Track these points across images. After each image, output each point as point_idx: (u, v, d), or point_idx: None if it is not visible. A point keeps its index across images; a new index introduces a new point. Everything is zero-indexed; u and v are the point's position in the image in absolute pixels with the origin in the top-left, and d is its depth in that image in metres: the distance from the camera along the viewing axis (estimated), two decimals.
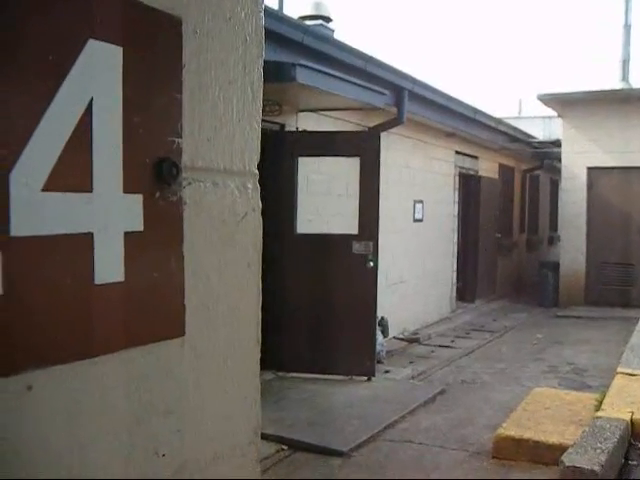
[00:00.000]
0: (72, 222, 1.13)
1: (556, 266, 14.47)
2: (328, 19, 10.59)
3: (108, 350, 1.20)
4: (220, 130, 1.46)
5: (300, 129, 8.14)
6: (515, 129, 14.99)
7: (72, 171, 1.12)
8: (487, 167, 14.49)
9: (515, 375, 8.29)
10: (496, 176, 15.06)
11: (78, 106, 1.13)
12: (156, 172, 1.28)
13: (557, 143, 15.00)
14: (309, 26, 8.42)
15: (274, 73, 6.44)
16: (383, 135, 8.27)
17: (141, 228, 1.25)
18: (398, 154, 10.33)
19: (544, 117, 18.14)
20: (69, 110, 1.11)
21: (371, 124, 9.18)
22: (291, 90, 6.97)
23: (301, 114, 8.16)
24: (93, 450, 1.18)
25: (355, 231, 7.66)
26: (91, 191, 1.15)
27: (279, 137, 7.92)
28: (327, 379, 7.51)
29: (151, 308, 1.30)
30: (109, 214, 1.19)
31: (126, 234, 1.22)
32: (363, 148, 7.77)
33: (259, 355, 1.60)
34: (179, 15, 1.32)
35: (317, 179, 8.39)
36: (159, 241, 1.30)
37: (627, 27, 15.08)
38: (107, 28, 1.16)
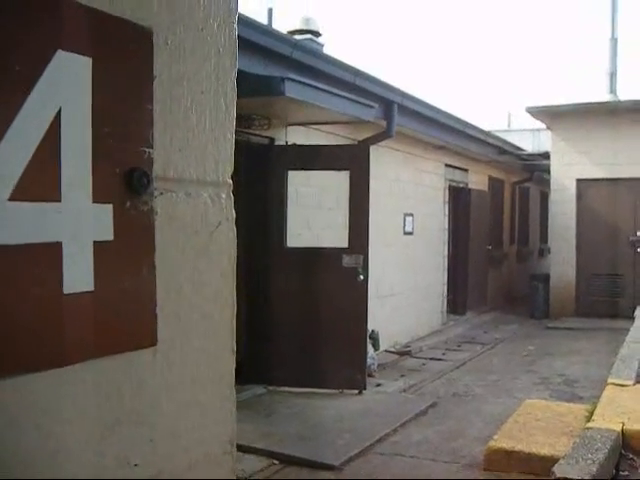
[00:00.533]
0: (40, 231, 1.13)
1: (546, 278, 14.51)
2: (317, 33, 10.66)
3: (78, 359, 1.20)
4: (192, 140, 1.46)
5: (289, 143, 8.15)
6: (504, 142, 15.06)
7: (40, 181, 1.12)
8: (477, 180, 14.54)
9: (506, 387, 8.29)
10: (486, 188, 15.12)
11: (46, 116, 1.13)
12: (126, 182, 1.28)
13: (546, 155, 15.08)
14: (298, 40, 8.46)
15: (263, 87, 6.47)
16: (373, 148, 8.30)
17: (111, 237, 1.25)
18: (388, 167, 10.36)
19: (533, 130, 18.23)
20: (37, 120, 1.12)
21: (360, 137, 9.21)
22: (280, 104, 6.99)
23: (290, 128, 8.18)
24: (63, 459, 1.18)
25: (345, 244, 7.67)
26: (60, 200, 1.15)
27: (268, 151, 7.94)
28: (318, 393, 7.49)
29: (122, 317, 1.29)
30: (78, 223, 1.19)
31: (95, 243, 1.22)
32: (353, 161, 7.79)
33: (234, 365, 1.59)
34: (150, 26, 1.33)
35: (307, 192, 8.40)
36: (130, 251, 1.30)
37: (613, 40, 15.21)
38: (76, 39, 1.17)
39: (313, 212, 8.59)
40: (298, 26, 10.59)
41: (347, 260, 7.59)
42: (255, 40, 6.63)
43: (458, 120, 11.98)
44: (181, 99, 1.43)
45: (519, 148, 16.22)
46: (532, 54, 54.35)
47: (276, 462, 5.58)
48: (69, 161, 1.17)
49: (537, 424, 5.94)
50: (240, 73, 5.35)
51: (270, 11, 11.11)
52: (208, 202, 1.50)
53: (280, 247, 7.79)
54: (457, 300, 13.70)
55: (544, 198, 19.00)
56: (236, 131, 5.68)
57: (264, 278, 7.75)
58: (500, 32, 56.38)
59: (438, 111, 11.08)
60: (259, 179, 7.78)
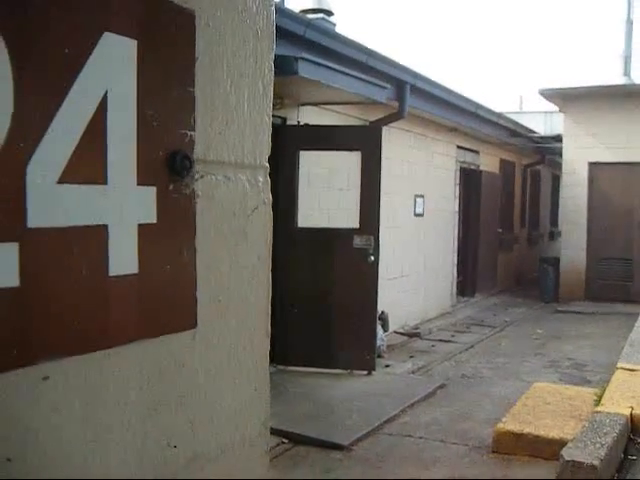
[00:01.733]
0: (87, 214, 1.13)
1: (557, 261, 14.48)
2: (330, 13, 10.57)
3: (121, 341, 1.21)
4: (232, 123, 1.46)
5: (302, 123, 8.13)
6: (516, 124, 14.97)
7: (87, 163, 1.13)
8: (488, 162, 14.48)
9: (515, 370, 8.30)
10: (497, 171, 15.05)
11: (93, 99, 1.13)
12: (169, 165, 1.28)
13: (558, 138, 14.98)
14: (311, 19, 8.40)
15: (276, 66, 6.40)
16: (384, 129, 8.27)
17: (154, 220, 1.26)
18: (399, 148, 10.33)
19: (545, 112, 18.11)
20: (84, 103, 1.12)
21: (372, 118, 9.17)
22: (293, 83, 6.96)
23: (303, 107, 8.16)
24: (107, 440, 1.20)
25: (356, 225, 7.66)
26: (106, 183, 1.16)
27: (281, 131, 7.92)
28: (327, 373, 7.53)
29: (164, 300, 1.30)
30: (123, 206, 1.20)
31: (140, 226, 1.23)
32: (364, 142, 7.77)
33: (269, 347, 1.61)
34: (192, 8, 1.32)
35: (318, 173, 8.39)
36: (172, 233, 1.31)
37: (629, 23, 15.07)
38: (122, 21, 1.17)
39: (324, 193, 8.58)
40: (310, 5, 10.48)
41: (358, 241, 7.60)
42: None
43: (470, 101, 11.91)
44: (221, 82, 1.42)
45: (531, 130, 16.12)
46: (545, 36, 53.90)
47: (285, 441, 5.62)
48: (115, 144, 1.17)
49: (546, 407, 5.96)
50: None
51: None
52: (246, 185, 1.50)
53: (291, 227, 7.80)
54: (467, 282, 13.70)
55: (555, 181, 18.93)
56: None
57: (275, 258, 7.72)
58: (513, 13, 55.91)
59: (450, 92, 11.01)
60: (271, 159, 7.72)
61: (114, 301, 1.19)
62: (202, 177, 1.37)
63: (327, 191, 8.65)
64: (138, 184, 1.22)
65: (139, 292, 1.24)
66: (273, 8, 1.56)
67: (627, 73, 15.01)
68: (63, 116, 1.07)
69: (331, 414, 6.25)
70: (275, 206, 5.72)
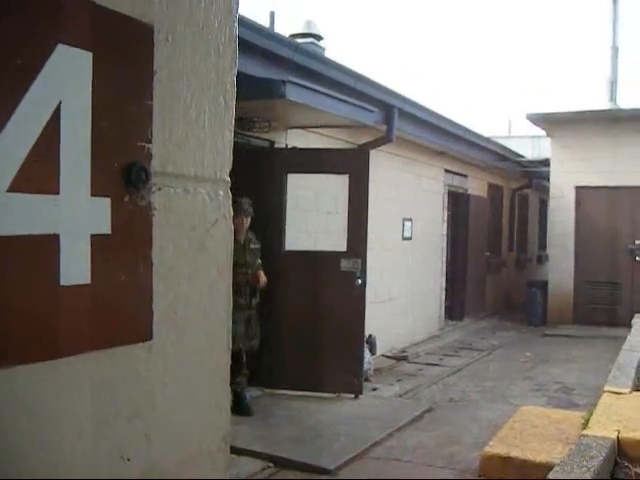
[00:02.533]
0: (38, 223, 1.13)
1: (544, 285, 14.52)
2: (319, 37, 10.67)
3: (72, 352, 1.20)
4: (191, 137, 1.46)
5: (289, 146, 8.16)
6: (504, 148, 15.08)
7: (39, 173, 1.13)
8: (476, 186, 14.56)
9: (503, 393, 8.29)
10: (485, 195, 15.13)
11: (46, 109, 1.14)
12: (125, 176, 1.28)
13: (546, 162, 15.09)
14: (300, 44, 8.47)
15: (264, 89, 6.48)
16: (372, 153, 8.31)
17: (109, 231, 1.25)
18: (387, 172, 10.37)
19: (533, 137, 18.28)
20: (37, 113, 1.12)
21: (360, 142, 9.22)
22: (281, 107, 7.00)
23: (290, 131, 8.20)
24: (57, 452, 1.18)
25: (344, 248, 7.66)
26: (58, 193, 1.16)
27: (269, 154, 7.95)
28: (314, 396, 7.48)
29: (118, 311, 1.30)
30: (76, 216, 1.19)
31: (93, 237, 1.23)
32: (352, 166, 7.80)
33: (229, 362, 1.60)
34: (151, 22, 1.33)
35: (306, 196, 8.40)
36: (127, 245, 1.31)
37: (614, 49, 15.25)
38: (77, 33, 1.17)
39: (312, 216, 8.59)
40: (300, 30, 10.60)
41: (345, 264, 7.59)
42: (257, 43, 6.64)
43: (458, 126, 12.00)
44: (181, 95, 1.43)
45: (519, 155, 16.24)
46: (533, 61, 54.51)
47: (271, 465, 5.57)
48: (68, 154, 1.17)
49: (533, 431, 5.93)
50: (241, 75, 5.34)
51: (272, 14, 11.08)
52: (206, 199, 1.50)
53: (279, 250, 7.79)
54: (455, 306, 13.71)
55: (543, 205, 19.03)
56: (236, 133, 5.65)
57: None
58: (501, 39, 56.58)
59: (438, 117, 11.10)
60: (259, 182, 7.78)
61: (65, 311, 1.18)
62: (160, 189, 1.37)
63: (315, 214, 8.66)
64: (92, 195, 1.22)
65: (91, 302, 1.23)
66: (236, 24, 1.57)
67: (613, 98, 15.17)
68: (14, 125, 1.07)
69: (317, 438, 6.21)
70: (263, 229, 5.67)
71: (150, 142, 1.33)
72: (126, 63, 1.29)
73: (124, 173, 1.28)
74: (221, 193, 1.55)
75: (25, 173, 1.09)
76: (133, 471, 1.32)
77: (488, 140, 13.89)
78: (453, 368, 9.80)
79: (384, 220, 10.23)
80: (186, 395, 1.47)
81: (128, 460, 1.30)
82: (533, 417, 6.33)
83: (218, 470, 1.54)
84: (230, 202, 1.57)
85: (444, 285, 13.14)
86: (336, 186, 8.35)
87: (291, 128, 8.16)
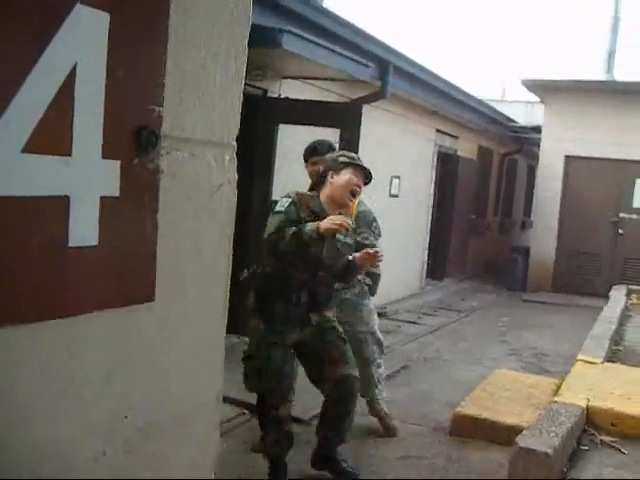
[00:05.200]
0: (50, 185, 1.14)
1: (527, 251, 14.62)
2: None
3: (79, 311, 1.22)
4: (201, 101, 1.47)
5: (283, 96, 8.08)
6: (496, 112, 15.02)
7: (52, 134, 1.13)
8: (466, 148, 14.53)
9: (478, 356, 8.40)
10: (475, 157, 15.12)
11: (62, 70, 1.14)
12: (135, 139, 1.29)
13: (537, 129, 15.07)
14: None
15: (260, 37, 6.37)
16: (365, 108, 8.24)
17: (117, 194, 1.27)
18: (378, 128, 10.31)
19: (527, 102, 18.21)
20: (53, 73, 1.12)
21: (354, 96, 9.15)
22: (276, 56, 6.91)
23: (285, 81, 8.11)
24: (64, 402, 1.23)
25: None
26: (70, 155, 1.17)
27: (261, 103, 7.87)
28: None
29: (122, 273, 1.32)
30: (87, 178, 1.20)
31: (102, 199, 1.24)
32: (344, 120, 7.75)
33: (226, 320, 1.64)
34: None
35: (296, 148, 8.35)
36: (134, 208, 1.32)
37: (616, 19, 15.13)
38: None
39: (301, 167, 8.56)
40: None
41: None
42: None
43: (452, 86, 11.91)
44: (193, 60, 1.43)
45: (511, 119, 16.19)
46: (531, 27, 53.96)
47: (246, 412, 5.64)
48: (82, 116, 1.17)
49: (505, 394, 6.05)
50: None
51: None
52: (212, 163, 1.51)
53: (265, 200, 7.78)
54: (436, 266, 13.78)
55: (532, 172, 19.06)
56: None
57: (248, 233, 7.74)
58: (500, 3, 55.84)
59: (433, 75, 11.01)
60: (249, 130, 7.73)
61: (72, 271, 1.20)
62: (168, 153, 1.38)
63: (304, 166, 8.62)
64: (103, 157, 1.23)
65: (98, 263, 1.25)
66: None
67: (610, 70, 15.11)
68: (30, 86, 1.08)
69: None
70: (250, 178, 5.60)
71: (161, 105, 1.34)
72: (141, 24, 1.28)
73: (135, 136, 1.28)
74: (227, 158, 1.56)
75: (39, 134, 1.10)
76: (131, 425, 1.36)
77: (481, 102, 13.81)
78: (431, 327, 9.91)
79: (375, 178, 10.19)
80: (183, 354, 1.51)
81: (125, 418, 1.34)
82: (506, 380, 6.45)
83: (211, 425, 1.60)
84: (235, 167, 1.58)
85: (427, 244, 13.19)
86: (329, 138, 8.29)
87: (285, 78, 8.07)
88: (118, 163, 1.26)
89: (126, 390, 1.36)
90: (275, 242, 3.94)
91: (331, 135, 7.91)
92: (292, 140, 8.18)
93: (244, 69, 1.58)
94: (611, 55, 15.10)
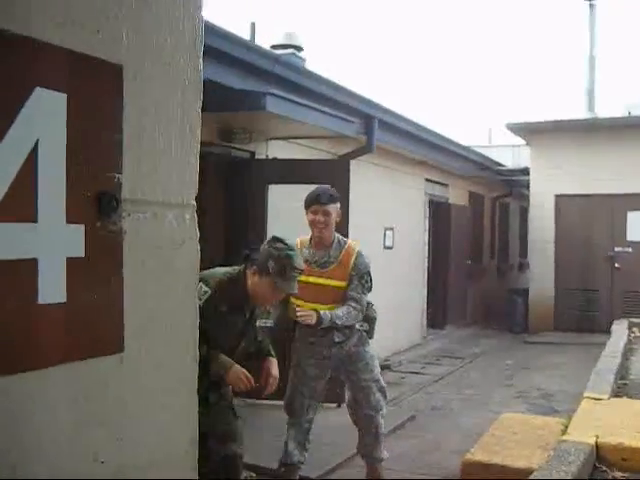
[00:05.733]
0: (18, 249, 1.25)
1: (525, 292, 14.62)
2: (299, 48, 10.73)
3: (50, 363, 1.32)
4: (159, 166, 1.59)
5: (270, 157, 8.20)
6: (484, 157, 15.20)
7: (19, 204, 1.25)
8: (457, 194, 14.66)
9: (484, 401, 8.35)
10: (466, 203, 15.24)
11: (25, 146, 1.26)
12: (97, 205, 1.41)
13: (526, 171, 15.22)
14: (279, 55, 8.52)
15: (244, 101, 6.53)
16: (353, 163, 8.36)
17: (82, 254, 1.38)
18: (368, 181, 10.43)
19: (513, 145, 18.41)
20: (17, 150, 1.24)
21: (341, 152, 9.28)
22: (261, 118, 7.05)
23: (271, 142, 8.24)
24: (35, 452, 1.30)
25: None
26: (36, 221, 1.28)
27: (249, 165, 7.98)
28: (263, 404, 7.47)
29: (91, 326, 1.42)
30: (53, 242, 1.31)
31: (68, 259, 1.35)
32: (332, 176, 7.84)
33: (197, 372, 1.71)
34: (120, 62, 1.46)
35: (286, 207, 8.43)
36: (100, 266, 1.43)
37: (592, 58, 15.44)
38: (53, 77, 1.30)
39: (293, 226, 8.61)
40: (281, 41, 10.65)
41: None
42: (237, 55, 6.69)
43: (439, 136, 12.09)
44: (149, 128, 1.55)
45: (499, 164, 16.37)
46: (512, 71, 54.85)
47: (253, 475, 5.58)
48: (45, 186, 1.29)
49: (514, 437, 5.99)
50: (221, 87, 5.38)
51: (253, 25, 11.15)
52: (173, 222, 1.63)
53: None
54: (437, 314, 13.77)
55: (524, 213, 19.16)
56: (217, 145, 5.66)
57: None
58: (481, 51, 56.95)
59: (418, 127, 11.18)
60: (240, 193, 7.84)
61: (42, 326, 1.30)
62: (129, 215, 1.49)
63: (296, 225, 8.68)
64: (67, 222, 1.34)
65: (67, 318, 1.35)
66: (201, 60, 1.69)
67: (591, 107, 15.35)
68: None
69: (266, 439, 6.21)
70: (244, 239, 5.60)
71: (120, 172, 1.46)
72: (97, 100, 1.41)
73: (96, 202, 1.41)
74: (187, 217, 1.67)
75: (6, 203, 1.21)
76: (105, 471, 1.44)
77: (468, 149, 13.99)
78: (435, 376, 9.86)
79: (365, 229, 10.26)
80: (155, 402, 1.59)
81: (102, 462, 1.42)
82: (514, 424, 6.39)
83: (186, 471, 1.66)
84: (196, 224, 1.69)
85: (426, 294, 13.20)
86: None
87: (272, 139, 8.21)
88: (82, 227, 1.38)
89: (101, 438, 1.43)
90: None
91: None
92: (285, 200, 8.26)
93: (199, 132, 1.70)
94: (590, 93, 15.36)
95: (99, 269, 1.42)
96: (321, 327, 4.88)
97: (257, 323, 3.85)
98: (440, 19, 57.70)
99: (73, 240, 1.36)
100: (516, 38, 57.76)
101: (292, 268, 3.68)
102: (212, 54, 6.23)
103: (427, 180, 13.05)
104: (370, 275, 5.22)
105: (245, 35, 10.67)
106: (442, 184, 13.81)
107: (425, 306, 13.16)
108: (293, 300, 4.90)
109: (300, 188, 8.36)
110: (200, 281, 3.48)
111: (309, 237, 5.23)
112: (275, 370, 4.05)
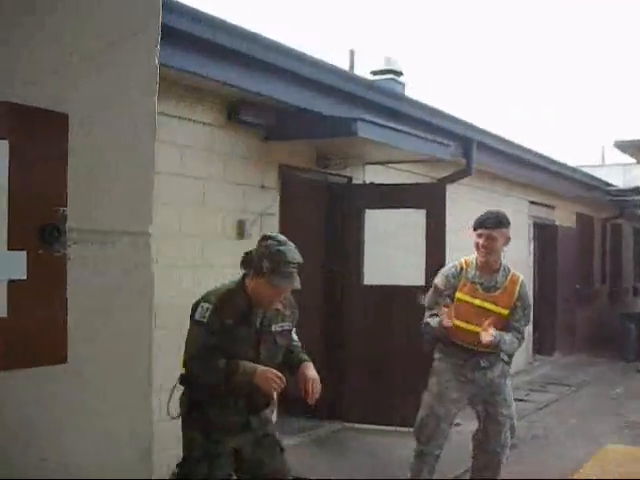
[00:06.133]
0: None
1: (639, 317, 13.97)
2: (399, 73, 10.79)
3: None
4: (108, 199, 1.76)
5: (367, 182, 8.27)
6: (592, 177, 14.70)
7: None
8: (564, 216, 14.23)
9: (589, 431, 8.03)
10: (574, 225, 14.76)
11: None
12: (39, 235, 1.61)
13: (637, 190, 14.64)
14: (373, 82, 8.63)
15: (337, 128, 6.66)
16: (453, 185, 8.34)
17: (24, 277, 1.58)
18: (468, 205, 10.29)
19: (625, 164, 17.70)
20: None
21: (440, 175, 9.24)
22: (355, 144, 7.16)
23: (368, 167, 8.33)
24: None
25: (422, 282, 7.66)
26: None
27: (346, 190, 8.08)
28: (392, 430, 7.46)
29: (33, 339, 1.61)
30: None
31: (10, 281, 1.56)
32: (429, 200, 7.86)
33: (151, 384, 1.86)
34: (65, 111, 1.64)
35: (384, 231, 8.45)
36: (42, 287, 1.63)
37: None
38: None
39: (390, 250, 8.62)
40: (381, 66, 10.75)
41: (422, 298, 7.57)
42: (334, 84, 6.86)
43: (542, 157, 11.81)
44: (97, 166, 1.73)
45: (608, 184, 15.77)
46: (628, 86, 52.81)
47: None
48: None
49: (618, 470, 5.77)
50: (316, 115, 5.54)
51: (352, 52, 11.33)
52: (124, 248, 1.79)
53: (357, 284, 7.90)
54: (544, 340, 13.38)
55: (637, 235, 18.40)
56: (314, 171, 5.78)
57: (341, 315, 7.87)
58: (595, 64, 55.22)
59: (520, 148, 10.98)
60: (338, 217, 7.96)
61: None
62: (75, 243, 1.67)
63: (394, 249, 8.68)
64: (9, 249, 1.55)
65: (7, 332, 1.55)
66: (155, 99, 1.83)
67: None
68: None
69: (393, 473, 6.19)
70: (342, 263, 5.72)
71: (65, 206, 1.65)
72: (41, 146, 1.61)
73: (39, 232, 1.61)
74: (140, 244, 1.82)
75: None
76: (57, 475, 1.61)
77: (575, 170, 13.59)
78: (539, 403, 9.59)
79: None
80: (104, 410, 1.75)
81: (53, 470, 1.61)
82: (617, 456, 6.15)
83: (141, 478, 1.80)
84: (149, 251, 1.84)
85: (532, 319, 12.83)
86: (415, 220, 8.36)
87: (368, 164, 8.29)
88: (24, 253, 1.58)
89: (49, 444, 1.61)
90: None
91: (415, 215, 7.99)
92: (382, 224, 8.31)
93: (153, 168, 1.85)
94: None
95: (41, 290, 1.62)
96: (488, 348, 4.89)
97: (273, 328, 3.67)
98: (549, 37, 56.43)
99: (15, 264, 1.56)
100: (629, 51, 55.70)
101: (286, 263, 3.48)
102: (303, 82, 6.41)
103: (531, 202, 12.74)
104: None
105: (344, 63, 10.87)
106: (547, 206, 13.46)
107: (532, 331, 12.80)
108: (456, 321, 4.88)
109: (394, 212, 8.41)
110: (202, 301, 3.55)
111: (474, 258, 5.22)
112: (312, 372, 3.71)
